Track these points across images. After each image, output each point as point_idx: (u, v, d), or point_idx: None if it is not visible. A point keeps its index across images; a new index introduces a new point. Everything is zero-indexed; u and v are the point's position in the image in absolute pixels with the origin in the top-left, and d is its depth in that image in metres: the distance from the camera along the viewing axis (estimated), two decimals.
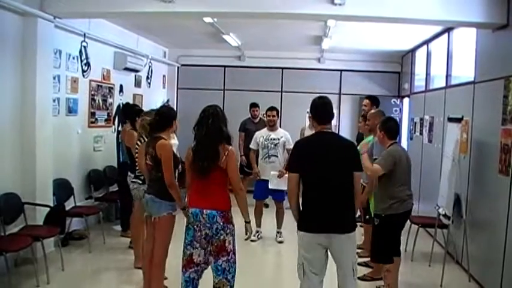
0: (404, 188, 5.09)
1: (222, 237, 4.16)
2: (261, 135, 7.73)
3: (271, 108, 7.85)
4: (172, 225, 4.73)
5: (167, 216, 4.65)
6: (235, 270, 4.25)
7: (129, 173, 6.39)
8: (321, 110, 4.20)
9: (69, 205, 6.94)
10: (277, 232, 7.65)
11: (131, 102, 9.29)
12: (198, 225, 4.18)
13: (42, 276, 5.48)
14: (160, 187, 4.60)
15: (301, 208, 4.14)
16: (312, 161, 4.05)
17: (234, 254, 4.25)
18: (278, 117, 7.89)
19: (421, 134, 8.96)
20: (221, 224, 4.14)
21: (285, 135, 7.71)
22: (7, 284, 5.17)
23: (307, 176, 4.05)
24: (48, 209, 6.06)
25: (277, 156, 7.57)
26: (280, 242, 7.49)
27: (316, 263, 4.08)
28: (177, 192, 4.58)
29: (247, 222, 4.38)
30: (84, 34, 7.49)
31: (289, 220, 7.65)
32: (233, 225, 4.26)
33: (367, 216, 5.71)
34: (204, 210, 4.15)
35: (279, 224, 7.66)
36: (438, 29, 8.01)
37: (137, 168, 5.61)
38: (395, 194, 5.00)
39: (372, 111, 6.49)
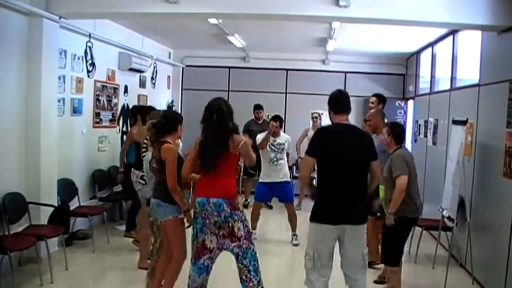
0: (415, 191, 5.12)
1: (230, 224, 4.22)
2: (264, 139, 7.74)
3: (275, 118, 7.74)
4: (181, 226, 4.73)
5: (173, 220, 4.65)
6: (251, 255, 4.29)
7: (132, 169, 6.41)
8: (338, 99, 4.36)
9: (73, 205, 6.96)
10: (293, 235, 7.65)
11: (136, 102, 9.35)
12: (206, 214, 4.23)
13: (46, 276, 5.50)
14: (165, 191, 4.59)
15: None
16: (333, 149, 4.11)
17: (246, 239, 4.28)
18: (281, 127, 7.81)
19: (425, 136, 8.94)
20: (228, 211, 4.21)
21: (288, 139, 7.81)
22: (11, 283, 5.19)
23: (327, 164, 4.10)
24: (52, 208, 6.08)
25: (283, 159, 7.66)
26: (296, 245, 7.49)
27: (327, 255, 4.15)
28: (179, 196, 4.57)
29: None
30: (90, 34, 7.52)
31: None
32: (241, 212, 4.33)
33: (379, 214, 5.70)
34: (211, 199, 4.21)
35: (294, 227, 7.67)
36: (443, 31, 8.00)
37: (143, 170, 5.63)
38: (411, 197, 5.00)
39: (372, 111, 6.49)
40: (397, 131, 5.24)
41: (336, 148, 4.11)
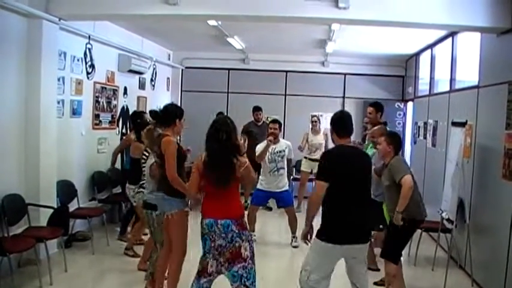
0: (418, 193, 5.15)
1: (237, 244, 4.16)
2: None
3: (274, 121, 7.68)
4: (185, 221, 4.76)
5: (179, 213, 4.69)
6: (254, 276, 4.23)
7: (127, 185, 6.43)
8: (343, 123, 4.39)
9: (72, 207, 6.96)
10: (293, 237, 7.64)
11: (135, 104, 9.36)
12: (213, 236, 4.18)
13: (45, 278, 5.49)
14: (169, 185, 4.64)
15: (321, 217, 4.25)
16: (343, 172, 4.16)
17: (251, 260, 4.23)
18: (280, 130, 7.74)
19: (424, 138, 8.95)
20: (236, 231, 4.16)
21: (288, 146, 7.69)
22: (10, 284, 5.18)
23: (338, 187, 4.13)
24: (51, 210, 6.06)
25: (284, 168, 7.57)
26: (295, 247, 7.50)
27: (328, 271, 4.21)
28: (180, 185, 4.61)
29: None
30: (89, 36, 7.52)
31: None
32: (249, 232, 4.29)
33: (381, 226, 5.73)
34: (219, 221, 4.15)
35: (294, 229, 7.65)
36: (442, 33, 8.00)
37: (143, 179, 5.63)
38: (416, 200, 5.04)
39: (376, 128, 6.38)
40: (397, 142, 5.27)
41: (346, 171, 4.18)
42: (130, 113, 8.28)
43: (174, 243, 4.76)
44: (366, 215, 4.24)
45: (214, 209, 4.21)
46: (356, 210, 4.13)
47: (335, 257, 4.20)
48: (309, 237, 4.32)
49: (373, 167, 5.12)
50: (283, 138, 10.83)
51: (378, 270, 6.07)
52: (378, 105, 6.88)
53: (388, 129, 6.26)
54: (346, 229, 4.11)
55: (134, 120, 7.17)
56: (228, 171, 4.16)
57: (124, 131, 8.94)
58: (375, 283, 5.80)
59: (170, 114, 4.89)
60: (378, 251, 5.66)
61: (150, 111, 6.07)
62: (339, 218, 4.14)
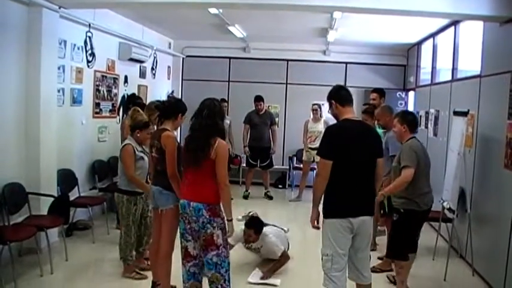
0: (424, 183, 5.08)
1: (209, 231, 4.07)
2: None
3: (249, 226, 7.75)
4: (178, 217, 4.73)
5: (174, 208, 4.63)
6: (228, 264, 4.18)
7: None
8: (342, 92, 4.33)
9: (73, 195, 6.97)
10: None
11: (136, 93, 9.31)
12: (186, 217, 4.15)
13: (46, 266, 5.51)
14: (167, 179, 4.59)
15: (323, 196, 4.21)
16: (347, 148, 4.10)
17: (225, 247, 4.17)
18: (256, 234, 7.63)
19: (426, 127, 8.92)
20: (207, 217, 4.06)
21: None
22: (11, 273, 5.19)
23: (341, 163, 4.08)
24: (52, 199, 6.08)
25: None
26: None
27: (346, 250, 4.17)
28: (177, 184, 4.56)
29: (229, 220, 4.15)
30: (89, 24, 7.48)
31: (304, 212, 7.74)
32: (221, 219, 4.15)
33: (382, 211, 5.73)
34: (191, 203, 4.10)
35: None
36: (444, 21, 7.96)
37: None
38: (416, 190, 4.97)
39: (379, 109, 6.43)
40: (410, 119, 5.21)
41: (352, 147, 4.11)
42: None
43: (163, 238, 4.72)
44: (371, 188, 4.22)
45: (189, 191, 4.17)
46: (361, 184, 4.12)
47: (349, 231, 4.10)
48: (316, 223, 4.29)
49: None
50: (284, 126, 10.96)
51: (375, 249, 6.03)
52: (380, 91, 7.20)
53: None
54: (354, 202, 4.10)
55: (130, 102, 7.15)
56: (201, 149, 4.07)
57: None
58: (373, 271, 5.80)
59: (174, 108, 4.83)
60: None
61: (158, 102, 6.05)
62: (345, 192, 4.10)
